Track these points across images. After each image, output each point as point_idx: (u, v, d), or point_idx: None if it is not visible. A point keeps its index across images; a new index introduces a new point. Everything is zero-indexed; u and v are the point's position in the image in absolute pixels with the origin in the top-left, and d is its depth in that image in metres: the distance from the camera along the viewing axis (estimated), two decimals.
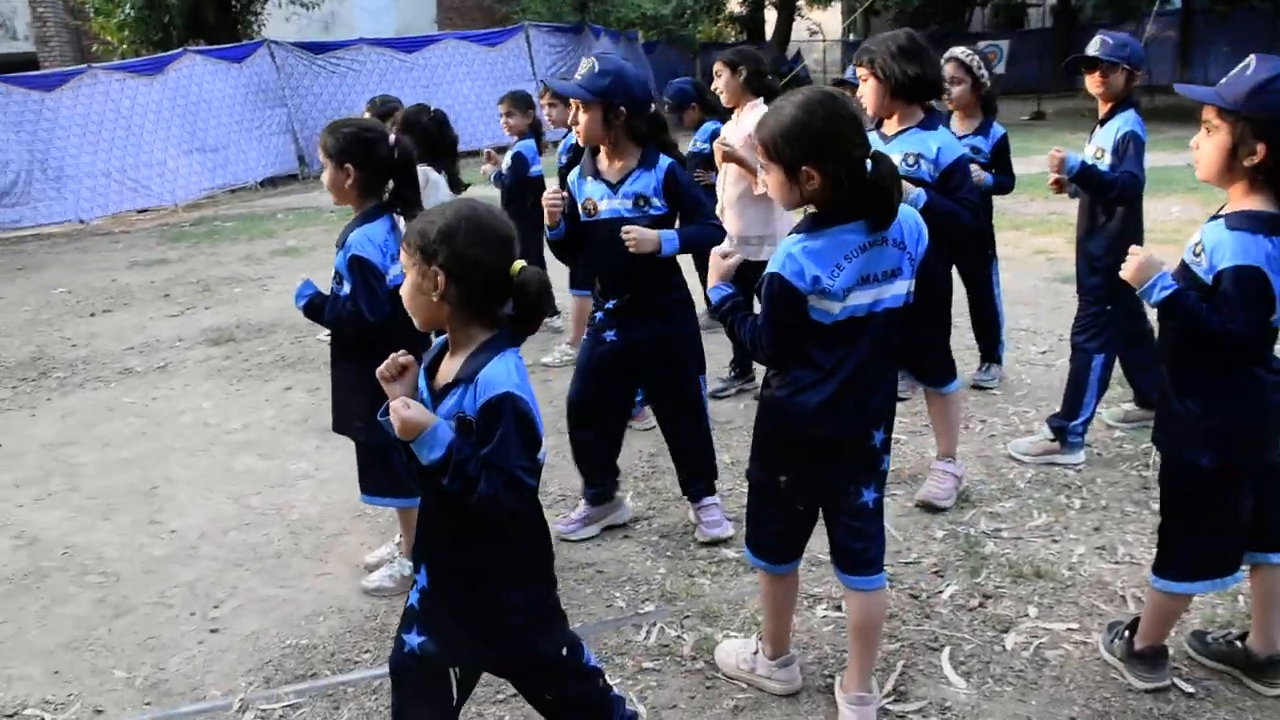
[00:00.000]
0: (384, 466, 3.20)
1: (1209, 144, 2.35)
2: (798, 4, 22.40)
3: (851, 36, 25.33)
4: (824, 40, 24.97)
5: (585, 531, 3.66)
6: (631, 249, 3.28)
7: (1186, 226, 8.40)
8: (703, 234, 3.40)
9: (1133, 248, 2.49)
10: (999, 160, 4.74)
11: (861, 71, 3.48)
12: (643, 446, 4.45)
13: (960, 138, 4.81)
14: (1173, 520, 2.58)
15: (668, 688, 2.78)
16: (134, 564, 3.70)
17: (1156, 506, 3.59)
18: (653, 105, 3.44)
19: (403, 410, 1.92)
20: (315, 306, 3.15)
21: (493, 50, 17.61)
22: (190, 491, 4.32)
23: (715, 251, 2.60)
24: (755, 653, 2.76)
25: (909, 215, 2.45)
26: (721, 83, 4.72)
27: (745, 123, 4.57)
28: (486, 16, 21.91)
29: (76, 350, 6.66)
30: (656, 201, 3.38)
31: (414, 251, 2.05)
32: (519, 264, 2.06)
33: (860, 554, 2.51)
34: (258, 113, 14.92)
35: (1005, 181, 4.73)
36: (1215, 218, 2.40)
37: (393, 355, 2.08)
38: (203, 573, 3.61)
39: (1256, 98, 2.25)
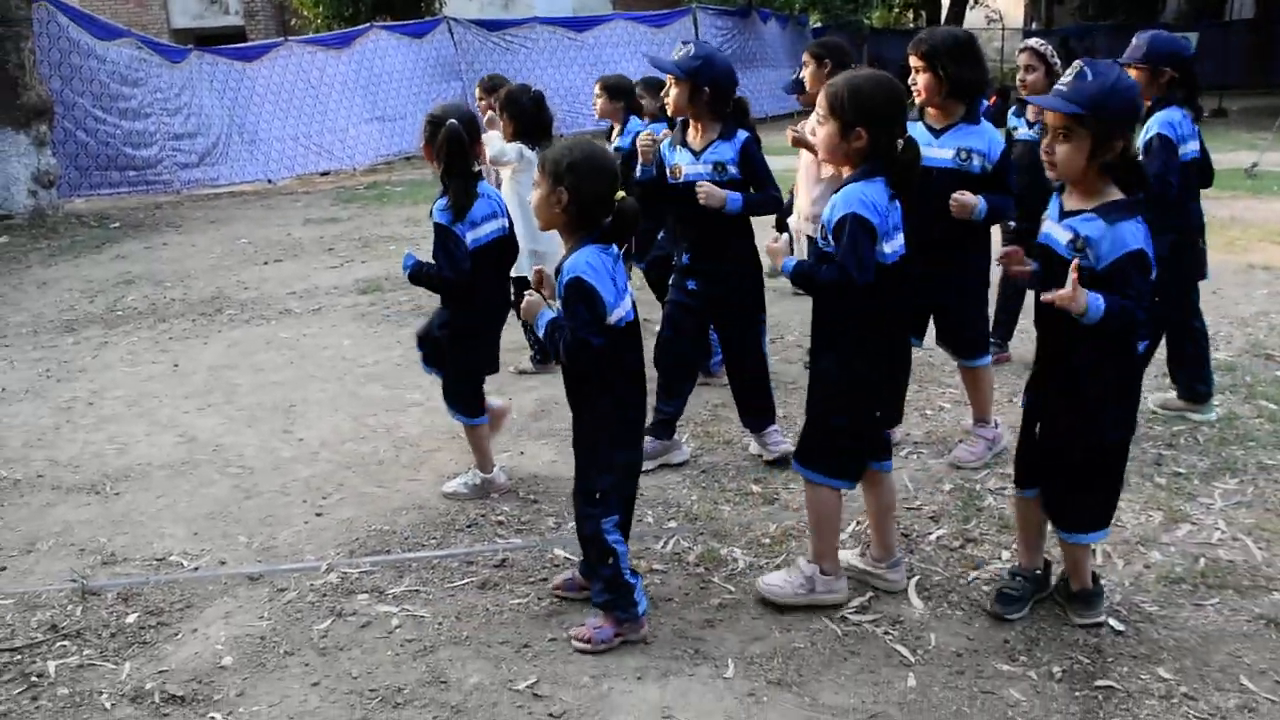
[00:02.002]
0: (459, 389, 3.88)
1: (1067, 148, 2.64)
2: None
3: (1035, 25, 24.67)
4: (1003, 28, 24.36)
5: (644, 465, 4.18)
6: (702, 201, 3.81)
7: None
8: (764, 201, 3.93)
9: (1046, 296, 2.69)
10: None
11: (917, 63, 3.84)
12: (709, 398, 4.93)
13: (1031, 125, 5.06)
14: (1090, 488, 2.89)
15: (669, 585, 3.28)
16: (266, 461, 4.47)
17: (1162, 481, 3.87)
18: (737, 88, 3.93)
19: (527, 298, 2.91)
20: (416, 274, 3.80)
21: (660, 31, 18.20)
22: (320, 410, 5.08)
23: (767, 243, 3.10)
24: (810, 576, 3.11)
25: None
26: (808, 73, 5.09)
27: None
28: None
29: (248, 292, 7.64)
30: (732, 169, 3.90)
31: (547, 175, 2.83)
32: (622, 193, 2.83)
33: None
34: (435, 85, 16.00)
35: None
36: (1072, 214, 2.69)
37: (536, 269, 3.03)
38: (318, 471, 4.33)
39: (1108, 99, 2.57)
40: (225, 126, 13.36)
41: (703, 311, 4.10)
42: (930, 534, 3.55)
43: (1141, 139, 4.04)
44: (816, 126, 5.07)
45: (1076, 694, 2.68)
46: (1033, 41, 5.22)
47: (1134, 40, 4.18)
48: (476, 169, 3.85)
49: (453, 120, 3.73)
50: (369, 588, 3.37)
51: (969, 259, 3.94)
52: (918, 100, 3.95)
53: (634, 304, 2.96)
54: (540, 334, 2.88)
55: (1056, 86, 2.72)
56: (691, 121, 3.96)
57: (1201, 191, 4.35)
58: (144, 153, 12.28)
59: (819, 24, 20.76)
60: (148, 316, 7.04)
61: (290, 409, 5.12)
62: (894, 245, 2.92)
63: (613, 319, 2.82)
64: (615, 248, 2.91)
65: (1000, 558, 3.37)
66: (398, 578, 3.43)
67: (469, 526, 3.76)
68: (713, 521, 3.69)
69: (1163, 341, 4.47)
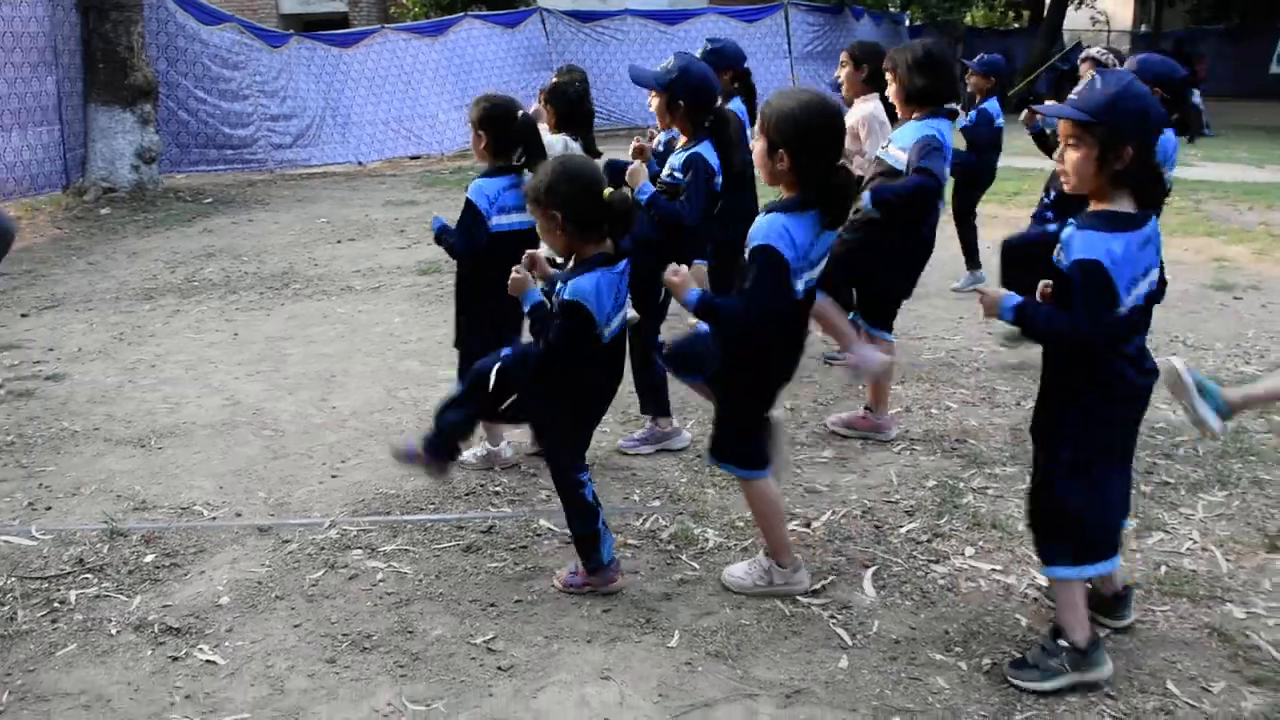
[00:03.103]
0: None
1: (1076, 156, 2.58)
2: None
3: (1144, 28, 23.91)
4: (1109, 30, 23.68)
5: (643, 449, 4.36)
6: (626, 176, 3.91)
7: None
8: (665, 207, 3.91)
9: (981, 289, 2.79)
10: None
11: (888, 75, 4.05)
12: None
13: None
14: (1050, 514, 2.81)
15: (638, 560, 3.47)
16: (298, 426, 4.78)
17: (1148, 489, 3.90)
18: (718, 100, 4.06)
19: (514, 274, 3.10)
20: (439, 235, 4.07)
21: (751, 26, 18.24)
22: (359, 382, 5.39)
23: (666, 275, 2.98)
24: (768, 569, 3.23)
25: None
26: (844, 74, 5.19)
27: (854, 115, 5.02)
28: None
29: (317, 269, 8.04)
30: (678, 175, 3.98)
31: (536, 205, 3.02)
32: (608, 190, 2.97)
33: None
34: (525, 74, 16.34)
35: None
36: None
37: (528, 252, 3.25)
38: (343, 438, 4.63)
39: (1116, 106, 2.54)
40: (320, 109, 13.92)
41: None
42: (901, 527, 3.65)
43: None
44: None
45: (999, 686, 2.78)
46: (1094, 51, 5.26)
47: (1128, 60, 4.26)
48: (518, 161, 4.06)
49: (524, 111, 3.97)
50: (364, 544, 3.63)
51: (887, 236, 4.10)
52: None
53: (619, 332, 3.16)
54: (526, 309, 3.11)
55: (1070, 97, 2.69)
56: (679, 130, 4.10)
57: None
58: (241, 132, 12.90)
59: (917, 22, 20.51)
60: (220, 288, 7.48)
61: (331, 379, 5.44)
62: (810, 276, 2.97)
63: (599, 331, 3.04)
64: (624, 263, 3.10)
65: (964, 553, 3.46)
66: (392, 537, 3.69)
67: (467, 494, 4.00)
68: (694, 503, 3.86)
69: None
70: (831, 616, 3.11)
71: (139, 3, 11.22)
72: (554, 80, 5.60)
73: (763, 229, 2.89)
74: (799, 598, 3.20)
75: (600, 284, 2.99)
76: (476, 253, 3.93)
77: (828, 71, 18.63)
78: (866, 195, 4.09)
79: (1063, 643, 2.75)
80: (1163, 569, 3.34)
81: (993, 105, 6.72)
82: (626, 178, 3.95)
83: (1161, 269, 2.70)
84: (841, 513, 3.75)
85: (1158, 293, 2.70)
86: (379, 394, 5.18)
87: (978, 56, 7.16)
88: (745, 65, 5.22)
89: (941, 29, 19.53)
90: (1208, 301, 6.73)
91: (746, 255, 2.94)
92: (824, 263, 3.06)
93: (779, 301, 2.90)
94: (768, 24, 18.12)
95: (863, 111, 4.97)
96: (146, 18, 11.55)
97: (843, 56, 5.28)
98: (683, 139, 4.07)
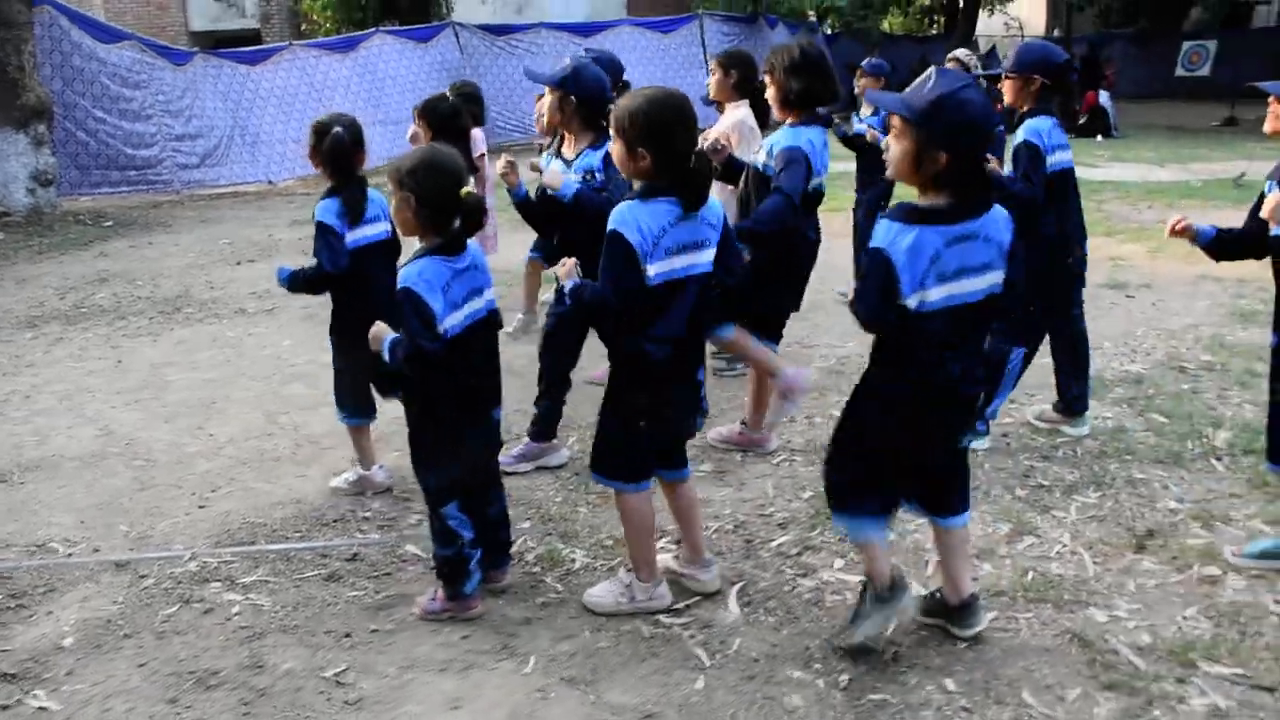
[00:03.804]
0: (342, 387, 4.03)
1: (897, 147, 2.62)
2: None
3: (1056, 32, 24.46)
4: (1022, 35, 24.18)
5: (520, 466, 4.28)
6: (543, 181, 3.90)
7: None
8: (594, 199, 3.85)
9: None
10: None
11: (766, 78, 4.00)
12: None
13: None
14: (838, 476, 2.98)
15: (506, 576, 3.39)
16: (171, 456, 4.62)
17: (1023, 493, 3.92)
18: (608, 102, 4.00)
19: (371, 331, 3.07)
20: (294, 281, 3.94)
21: (666, 37, 18.29)
22: (239, 408, 5.23)
23: (557, 268, 3.04)
24: (629, 585, 3.19)
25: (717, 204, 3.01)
26: (714, 81, 5.18)
27: (724, 122, 5.02)
28: (676, 4, 22.57)
29: (212, 292, 7.84)
30: (599, 176, 3.96)
31: (393, 182, 2.98)
32: (466, 189, 2.96)
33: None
34: (438, 89, 16.11)
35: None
36: None
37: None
38: (216, 467, 4.48)
39: (935, 110, 2.53)
40: (228, 128, 13.63)
41: (582, 320, 4.19)
42: (773, 540, 3.62)
43: (1012, 146, 4.11)
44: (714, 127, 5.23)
45: (855, 703, 2.75)
46: (959, 52, 5.31)
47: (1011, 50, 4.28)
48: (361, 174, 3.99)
49: (337, 128, 3.87)
50: (223, 577, 3.51)
51: (759, 257, 4.00)
52: (775, 114, 4.13)
53: (483, 317, 3.10)
54: (385, 356, 3.01)
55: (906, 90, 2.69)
56: (564, 132, 4.06)
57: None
58: (144, 153, 12.57)
59: (831, 30, 20.76)
60: (109, 314, 7.26)
61: (211, 405, 5.28)
62: (665, 267, 2.91)
63: (442, 328, 2.94)
64: (468, 256, 3.05)
65: (833, 565, 3.44)
66: (253, 568, 3.57)
67: (335, 521, 3.89)
68: (565, 523, 3.79)
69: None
70: (692, 636, 3.06)
71: (29, 21, 10.89)
72: (425, 99, 5.54)
73: (613, 217, 2.88)
74: (661, 618, 3.15)
75: (425, 271, 2.95)
76: (344, 272, 3.85)
77: None
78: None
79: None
80: (1030, 575, 3.35)
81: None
82: (545, 180, 3.92)
83: (1013, 273, 2.70)
84: (713, 528, 3.71)
85: (1003, 297, 2.70)
86: (258, 420, 5.04)
87: (865, 60, 7.25)
88: (624, 78, 5.19)
89: (856, 36, 19.81)
90: (1099, 301, 6.82)
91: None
92: (697, 254, 2.98)
93: (629, 281, 2.85)
94: (683, 34, 18.18)
95: (733, 118, 4.96)
96: (39, 36, 11.21)
97: (711, 64, 5.28)
98: (568, 141, 4.04)
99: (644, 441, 3.08)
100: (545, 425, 4.28)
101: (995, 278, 2.67)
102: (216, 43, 18.56)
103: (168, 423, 5.04)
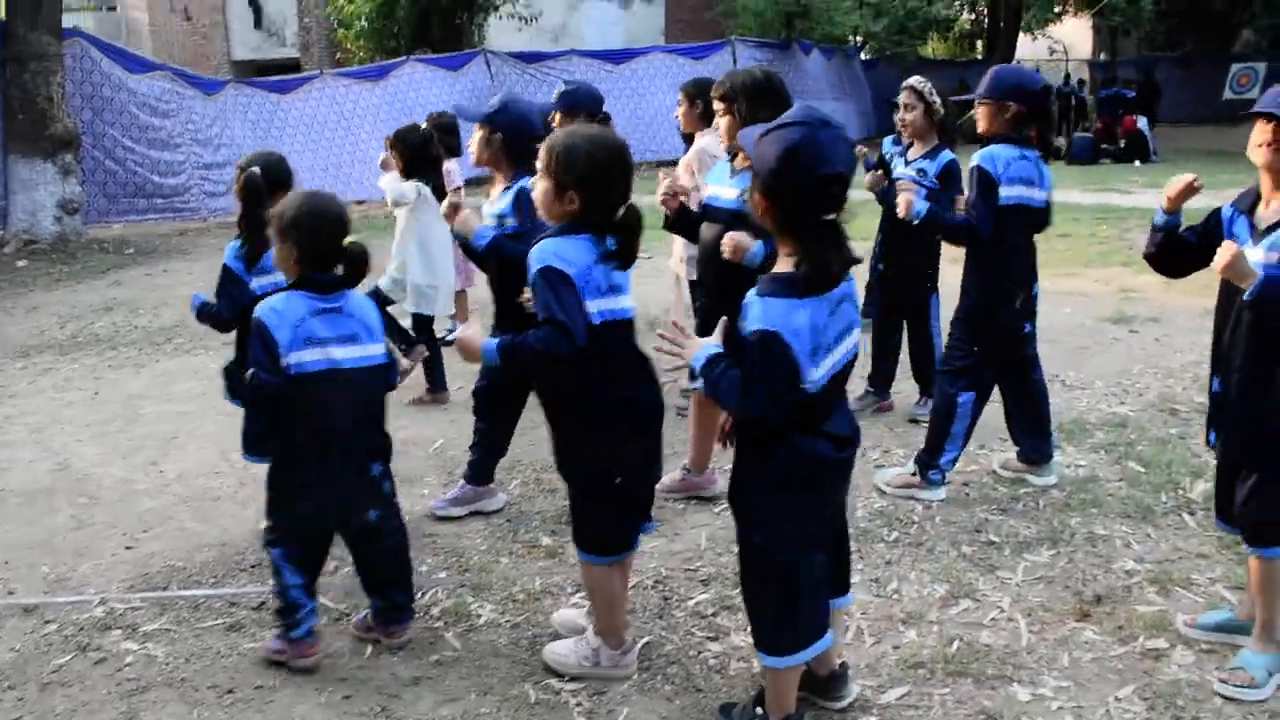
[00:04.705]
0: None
1: (754, 195, 2.41)
2: (1024, 21, 21.42)
3: (1102, 56, 23.97)
4: (1067, 59, 23.73)
5: (453, 511, 4.15)
6: (454, 224, 3.78)
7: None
8: (510, 248, 3.62)
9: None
10: (947, 186, 4.77)
11: (718, 105, 3.81)
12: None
13: (908, 162, 4.92)
14: (753, 599, 2.61)
15: (405, 633, 3.26)
16: (116, 493, 4.59)
17: (969, 550, 3.71)
18: (536, 139, 3.86)
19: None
20: (200, 312, 3.95)
21: (698, 64, 18.15)
22: (199, 443, 5.20)
23: (457, 335, 2.79)
24: (596, 649, 2.99)
25: None
26: (681, 112, 5.06)
27: (690, 152, 4.89)
28: (712, 31, 22.53)
29: None
30: (509, 221, 3.80)
31: (274, 230, 2.94)
32: (351, 238, 2.91)
33: None
34: None
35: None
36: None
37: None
38: (156, 505, 4.43)
39: (763, 149, 2.33)
40: None
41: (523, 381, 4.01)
42: (691, 598, 3.45)
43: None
44: (682, 172, 5.07)
45: None
46: (913, 80, 5.10)
47: (986, 74, 4.04)
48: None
49: (254, 169, 3.81)
50: (127, 624, 3.43)
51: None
52: (723, 144, 3.93)
53: (354, 368, 2.96)
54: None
55: None
56: (492, 171, 3.95)
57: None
58: (172, 181, 12.77)
59: (869, 56, 20.54)
60: (102, 344, 7.31)
61: (172, 440, 5.25)
62: (607, 305, 2.76)
63: (286, 361, 2.86)
64: (341, 299, 2.95)
65: (748, 628, 3.25)
66: (159, 615, 3.49)
67: (254, 566, 3.80)
68: (483, 574, 3.65)
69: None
70: (579, 705, 2.90)
71: (59, 54, 11.14)
72: (397, 129, 5.50)
73: (536, 255, 2.70)
74: (552, 682, 2.99)
75: (279, 304, 2.88)
76: (238, 320, 3.79)
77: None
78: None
79: (760, 711, 2.61)
80: (955, 644, 3.13)
81: None
82: (455, 226, 3.81)
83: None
84: (634, 583, 3.54)
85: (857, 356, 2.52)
86: (211, 457, 4.99)
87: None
88: (603, 110, 5.06)
89: (893, 62, 19.56)
90: (1100, 336, 6.57)
91: (530, 288, 2.75)
92: (621, 299, 2.82)
93: (577, 317, 2.63)
94: (715, 60, 18.06)
95: (697, 146, 4.83)
96: (71, 67, 11.48)
97: (679, 95, 5.15)
98: (496, 181, 3.92)
99: (626, 501, 2.90)
100: (481, 469, 4.15)
101: (856, 339, 2.49)
102: (257, 71, 18.93)
103: (125, 458, 5.02)
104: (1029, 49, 23.37)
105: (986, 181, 3.81)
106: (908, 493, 4.15)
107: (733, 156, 3.89)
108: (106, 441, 5.26)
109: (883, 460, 4.60)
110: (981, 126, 3.99)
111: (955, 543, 3.78)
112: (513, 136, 3.80)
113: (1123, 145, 16.34)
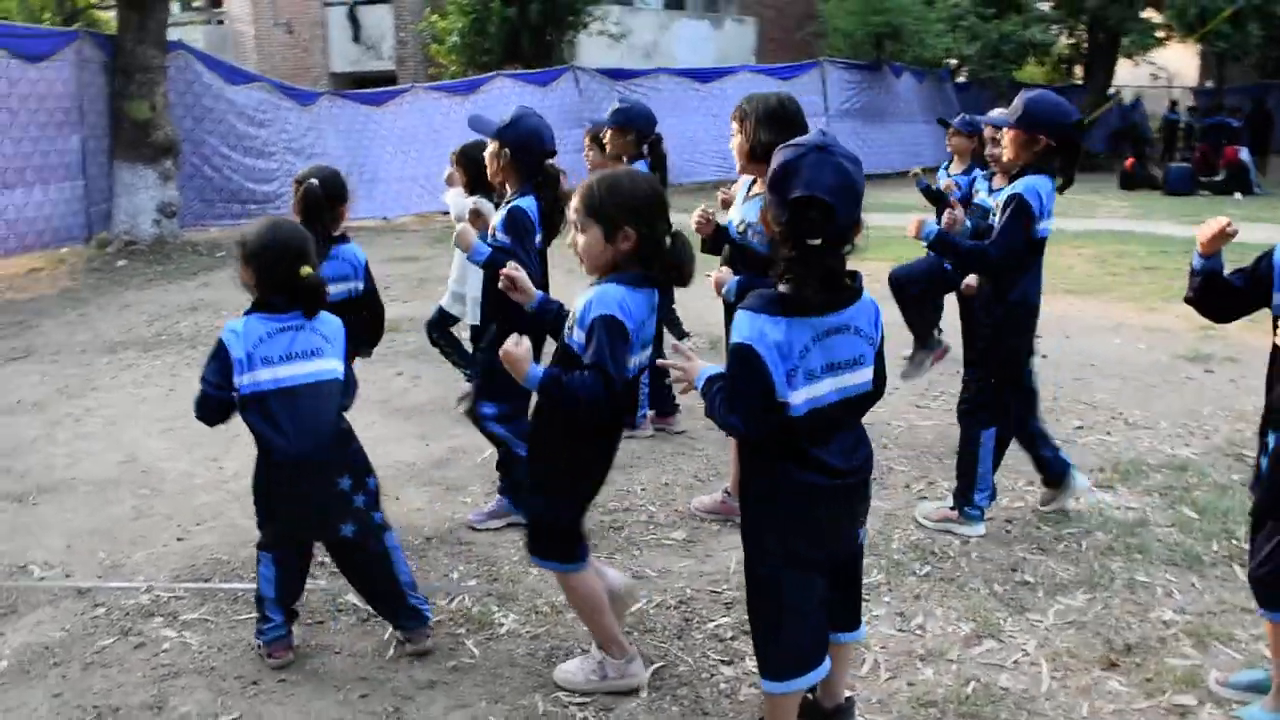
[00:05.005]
0: None
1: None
2: (1123, 46, 20.83)
3: (1209, 83, 23.19)
4: (1170, 85, 23.02)
5: (490, 524, 4.23)
6: (455, 237, 3.88)
7: None
8: (500, 263, 3.53)
9: None
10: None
11: (733, 126, 3.83)
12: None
13: (993, 190, 4.91)
14: (750, 617, 2.64)
15: (427, 639, 3.33)
16: (177, 486, 4.79)
17: (1002, 589, 3.64)
18: (545, 155, 3.93)
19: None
20: None
21: (786, 84, 18.12)
22: None
23: (509, 344, 2.73)
24: (600, 661, 3.04)
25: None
26: (735, 143, 5.05)
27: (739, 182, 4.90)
28: (803, 51, 22.48)
29: None
30: (501, 235, 3.84)
31: (238, 253, 3.09)
32: (307, 269, 2.97)
33: None
34: (556, 132, 16.45)
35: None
36: None
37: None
38: (211, 500, 4.61)
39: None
40: (346, 166, 14.20)
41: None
42: (711, 621, 3.46)
43: (1003, 196, 3.84)
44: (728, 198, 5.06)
45: None
46: (994, 114, 5.05)
47: (1017, 97, 3.96)
48: (338, 232, 4.04)
49: (312, 181, 3.95)
50: (169, 612, 3.59)
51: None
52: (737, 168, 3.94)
53: (310, 384, 3.08)
54: None
55: None
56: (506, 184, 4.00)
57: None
58: (265, 188, 13.24)
59: (959, 80, 20.24)
60: (185, 342, 7.62)
61: (236, 437, 5.40)
62: (640, 360, 2.84)
63: (239, 382, 3.02)
64: (301, 316, 3.08)
65: None
66: (199, 604, 3.63)
67: None
68: (511, 584, 3.72)
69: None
70: (585, 719, 2.93)
71: (163, 66, 11.66)
72: (462, 145, 5.62)
73: (601, 299, 2.70)
74: (561, 695, 3.03)
75: (240, 327, 3.03)
76: None
77: (866, 129, 18.49)
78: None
79: None
80: (971, 685, 3.07)
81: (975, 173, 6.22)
82: (455, 240, 3.90)
83: (880, 364, 2.51)
84: (656, 602, 3.57)
85: (873, 393, 2.50)
86: None
87: (959, 116, 6.81)
88: (656, 130, 5.11)
89: (986, 86, 19.24)
90: (1173, 374, 6.38)
91: (579, 326, 2.73)
92: (648, 351, 2.91)
93: (624, 371, 2.69)
94: (804, 81, 18.03)
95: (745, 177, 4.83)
96: (174, 78, 11.99)
97: (732, 124, 5.12)
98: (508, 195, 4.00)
99: (581, 508, 2.99)
100: (515, 483, 4.22)
101: (862, 375, 2.47)
102: (355, 83, 19.48)
103: (189, 452, 5.23)
104: (1130, 75, 22.73)
105: (1027, 213, 3.74)
106: (945, 527, 4.09)
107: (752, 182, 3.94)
108: (174, 436, 5.49)
109: (926, 492, 4.54)
110: (1008, 155, 3.91)
111: (988, 580, 3.71)
112: (521, 151, 3.86)
113: (1223, 176, 15.78)
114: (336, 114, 14.29)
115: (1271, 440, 2.91)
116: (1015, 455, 4.79)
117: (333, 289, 3.93)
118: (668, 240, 2.76)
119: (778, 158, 2.37)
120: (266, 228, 3.10)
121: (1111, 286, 8.85)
